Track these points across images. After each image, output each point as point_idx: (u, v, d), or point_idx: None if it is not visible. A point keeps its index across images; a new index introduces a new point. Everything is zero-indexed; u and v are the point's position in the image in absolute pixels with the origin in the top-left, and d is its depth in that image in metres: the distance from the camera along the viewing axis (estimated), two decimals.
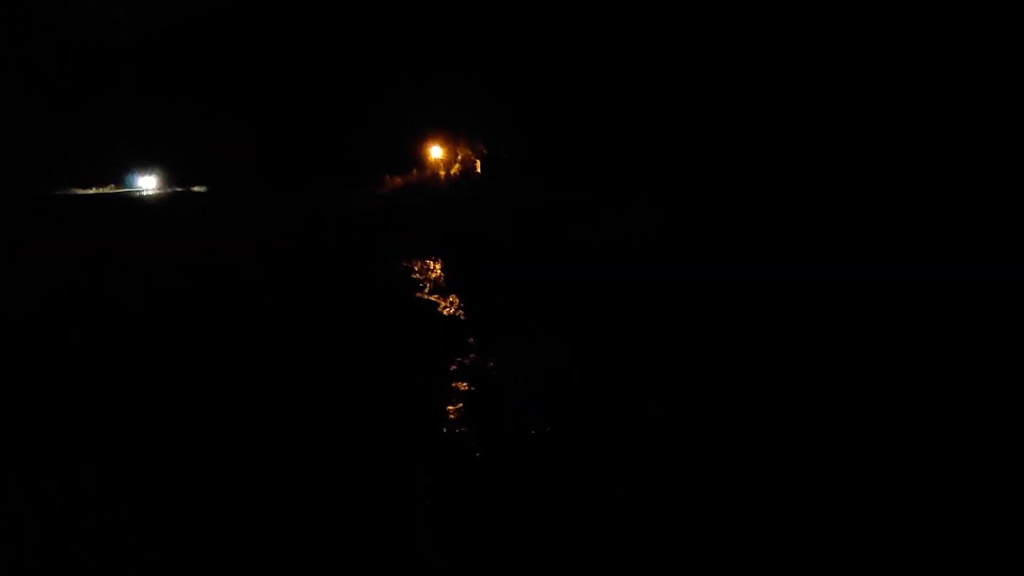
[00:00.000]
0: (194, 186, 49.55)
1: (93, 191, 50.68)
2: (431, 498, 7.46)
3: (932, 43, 15.93)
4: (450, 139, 39.32)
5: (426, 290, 18.82)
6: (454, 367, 11.66)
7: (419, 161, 40.97)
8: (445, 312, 16.20)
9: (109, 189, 51.27)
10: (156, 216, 41.32)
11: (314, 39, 44.50)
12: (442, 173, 39.83)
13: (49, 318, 15.34)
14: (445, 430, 9.10)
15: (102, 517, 7.05)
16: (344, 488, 7.65)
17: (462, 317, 15.70)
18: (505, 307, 16.15)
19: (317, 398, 10.36)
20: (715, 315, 13.67)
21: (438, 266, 22.60)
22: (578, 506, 7.13)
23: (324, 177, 41.59)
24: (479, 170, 37.89)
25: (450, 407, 9.84)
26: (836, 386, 9.61)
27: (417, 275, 21.21)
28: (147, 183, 51.88)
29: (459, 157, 39.40)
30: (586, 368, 11.26)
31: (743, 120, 19.21)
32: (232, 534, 6.84)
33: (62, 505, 7.24)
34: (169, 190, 50.54)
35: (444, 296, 17.85)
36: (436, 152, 40.19)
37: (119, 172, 51.04)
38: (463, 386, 10.69)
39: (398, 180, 41.15)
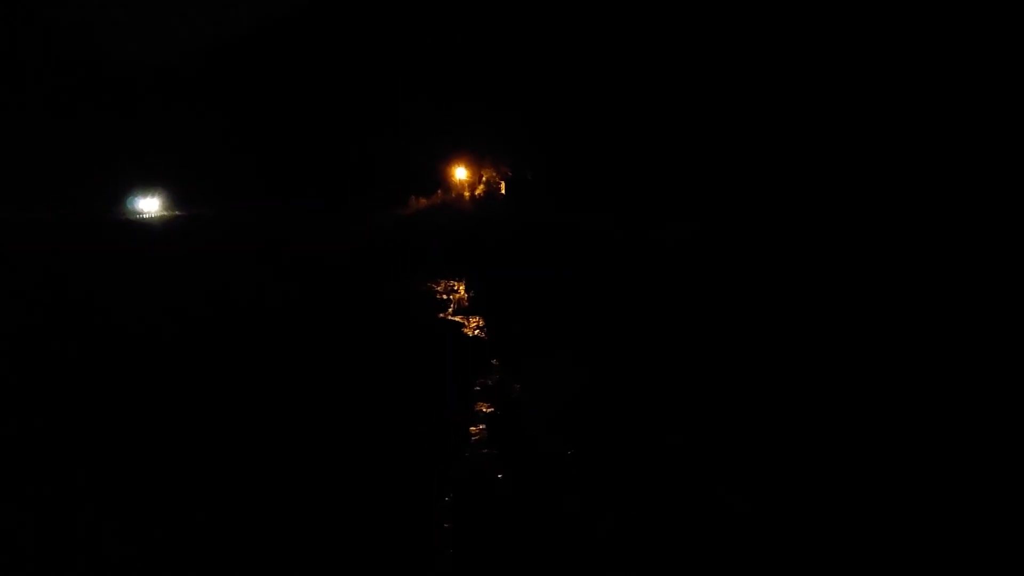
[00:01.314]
0: (225, 209, 48.35)
1: (147, 215, 50.29)
2: (452, 520, 7.44)
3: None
4: (474, 161, 39.63)
5: (450, 311, 18.89)
6: (477, 388, 11.66)
7: (444, 182, 41.30)
8: (468, 333, 16.24)
9: (158, 211, 50.54)
10: (178, 238, 40.95)
11: (340, 63, 45.30)
12: (467, 194, 40.10)
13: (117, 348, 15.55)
14: (467, 452, 9.10)
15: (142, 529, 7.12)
16: (365, 508, 7.65)
17: (485, 338, 15.72)
18: (529, 329, 16.14)
19: (340, 417, 10.41)
20: (742, 340, 13.56)
21: (461, 287, 22.68)
22: (599, 532, 7.08)
23: (351, 199, 42.02)
24: (503, 191, 38.10)
25: (473, 428, 9.83)
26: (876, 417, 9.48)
27: (441, 295, 21.30)
28: (165, 207, 50.83)
29: (483, 179, 39.66)
30: (610, 392, 11.20)
31: (762, 145, 19.15)
32: (251, 555, 6.87)
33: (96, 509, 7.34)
34: (191, 213, 49.52)
35: (467, 317, 17.90)
36: (461, 174, 40.51)
37: (155, 196, 50.44)
38: (486, 408, 10.69)
39: (423, 201, 41.49)
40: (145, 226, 45.06)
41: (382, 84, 43.33)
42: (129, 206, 48.68)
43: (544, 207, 29.67)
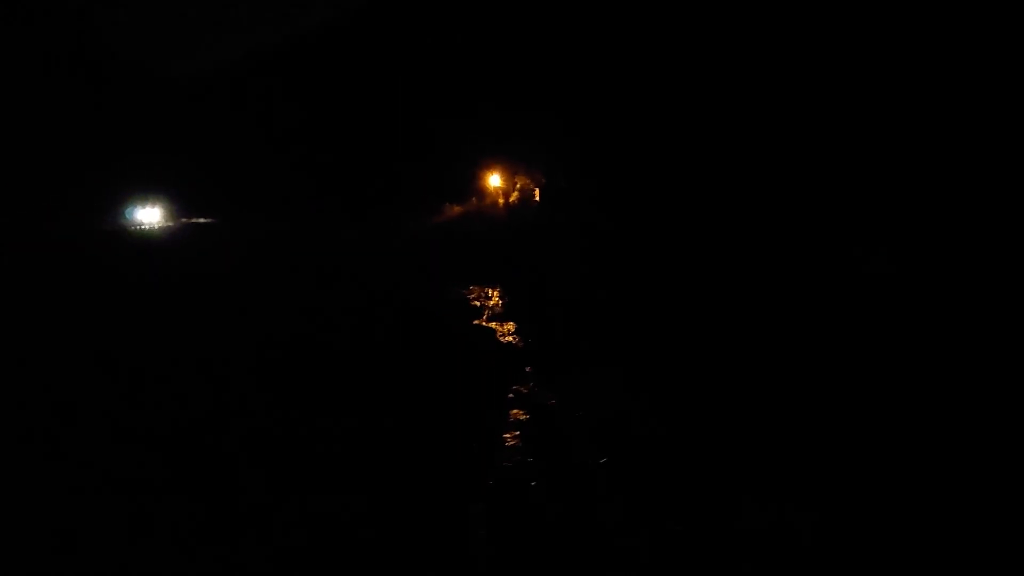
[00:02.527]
0: (266, 218, 46.18)
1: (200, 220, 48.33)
2: (486, 527, 7.40)
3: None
4: (509, 168, 39.68)
5: (484, 317, 18.90)
6: (511, 395, 11.63)
7: (478, 190, 41.42)
8: (502, 339, 16.23)
9: (160, 221, 46.94)
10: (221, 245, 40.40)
11: (372, 71, 45.77)
12: (501, 201, 40.17)
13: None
14: (501, 458, 9.06)
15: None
16: (399, 512, 7.65)
17: (518, 344, 15.69)
18: (562, 335, 16.08)
19: (375, 422, 10.45)
20: (779, 356, 13.28)
21: (495, 293, 22.70)
22: (632, 541, 6.99)
23: (384, 206, 42.31)
24: (537, 198, 38.08)
25: (506, 435, 9.80)
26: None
27: (475, 302, 21.33)
28: (167, 217, 47.29)
29: (517, 186, 39.71)
30: (645, 400, 11.07)
31: (804, 164, 18.78)
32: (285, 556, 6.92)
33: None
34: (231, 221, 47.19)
35: (501, 323, 17.89)
36: (495, 181, 40.59)
37: (156, 205, 46.90)
38: (520, 415, 10.65)
39: (457, 208, 41.65)
40: (163, 239, 43.36)
41: (415, 91, 43.66)
42: (128, 216, 44.89)
43: (578, 214, 29.56)
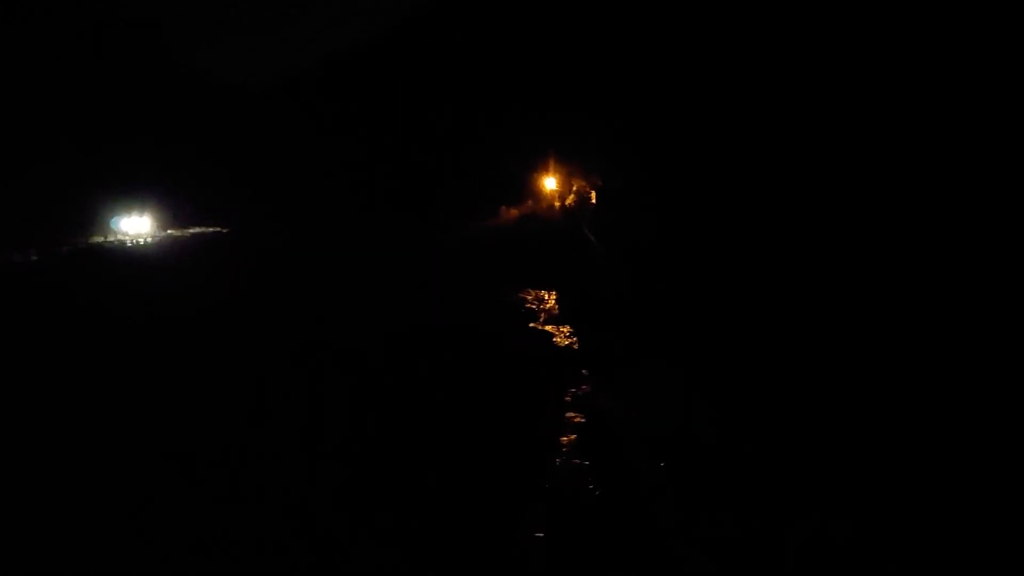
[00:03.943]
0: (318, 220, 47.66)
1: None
2: (543, 529, 7.49)
3: None
4: (565, 171, 39.68)
5: (540, 320, 19.00)
6: (567, 398, 11.70)
7: (534, 192, 41.53)
8: (559, 343, 16.29)
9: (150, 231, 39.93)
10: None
11: (431, 78, 46.27)
12: (557, 204, 40.20)
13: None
14: (558, 461, 9.14)
15: None
16: (457, 515, 7.80)
17: (575, 348, 15.74)
18: (619, 339, 16.05)
19: (433, 423, 10.63)
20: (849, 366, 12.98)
21: (551, 297, 22.78)
22: (687, 546, 6.98)
23: (439, 209, 42.62)
24: (593, 201, 38.00)
25: (563, 438, 9.87)
26: None
27: (531, 305, 21.45)
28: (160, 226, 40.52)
29: (574, 188, 39.71)
30: (705, 405, 11.00)
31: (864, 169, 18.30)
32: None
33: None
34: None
35: (558, 326, 17.95)
36: (551, 183, 40.64)
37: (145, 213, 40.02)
38: (577, 418, 10.71)
39: (513, 211, 41.82)
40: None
41: (471, 95, 44.00)
42: (113, 226, 38.68)
43: (636, 216, 29.38)
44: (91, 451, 9.36)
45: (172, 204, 40.22)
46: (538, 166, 40.54)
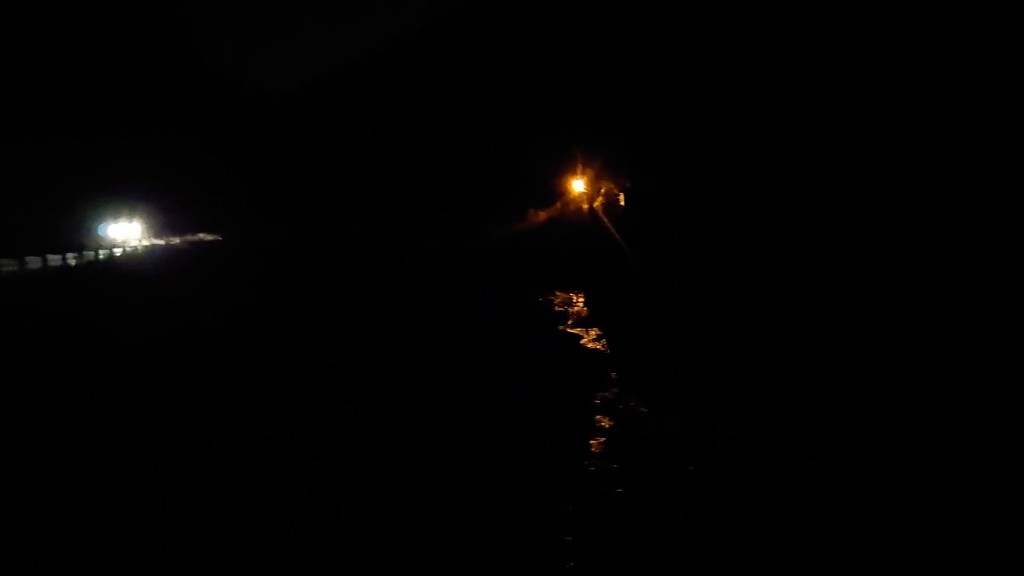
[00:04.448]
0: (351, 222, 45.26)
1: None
2: (571, 532, 7.47)
3: None
4: (592, 173, 39.59)
5: (568, 323, 18.96)
6: (597, 401, 11.66)
7: (562, 195, 41.48)
8: (587, 346, 16.25)
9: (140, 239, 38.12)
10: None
11: (460, 82, 46.50)
12: (585, 206, 40.10)
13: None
14: (587, 464, 9.11)
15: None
16: (484, 515, 7.80)
17: (603, 350, 15.68)
18: (648, 341, 15.95)
19: (460, 424, 10.66)
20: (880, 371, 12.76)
21: (580, 299, 22.72)
22: (715, 551, 6.91)
23: (470, 213, 42.74)
24: (622, 203, 37.83)
25: (592, 441, 9.84)
26: None
27: (559, 307, 21.42)
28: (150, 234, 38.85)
29: (602, 190, 39.57)
30: (734, 408, 10.88)
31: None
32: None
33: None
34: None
35: (586, 329, 17.90)
36: (579, 186, 40.56)
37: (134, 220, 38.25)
38: (605, 421, 10.66)
39: (541, 214, 41.81)
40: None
41: (499, 100, 44.11)
42: (100, 233, 35.54)
43: (664, 218, 29.23)
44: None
45: (166, 208, 37.21)
46: (566, 169, 40.52)
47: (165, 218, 37.96)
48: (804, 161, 20.59)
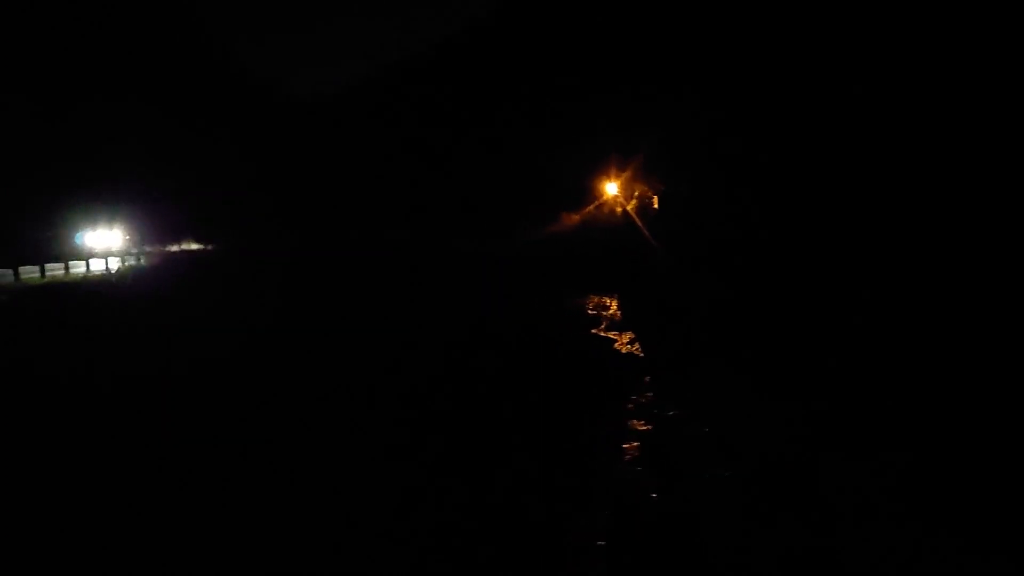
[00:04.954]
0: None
1: None
2: (606, 537, 7.41)
3: None
4: (626, 175, 39.35)
5: (602, 327, 18.86)
6: (631, 405, 11.57)
7: (595, 198, 41.29)
8: (621, 349, 16.14)
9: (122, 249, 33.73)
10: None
11: (490, 86, 46.53)
12: (618, 209, 39.87)
13: None
14: (621, 469, 9.03)
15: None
16: (518, 521, 7.78)
17: (638, 354, 15.56)
18: (682, 347, 15.80)
19: (494, 427, 10.65)
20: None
21: (613, 303, 22.59)
22: (750, 559, 6.80)
23: (502, 216, 42.65)
24: (655, 205, 37.53)
25: (626, 445, 9.76)
26: None
27: (592, 311, 21.32)
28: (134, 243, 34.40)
29: (635, 193, 39.31)
30: (772, 413, 10.72)
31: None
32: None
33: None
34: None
35: (620, 333, 17.79)
36: (612, 189, 40.34)
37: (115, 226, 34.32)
38: (639, 425, 10.58)
39: (574, 217, 41.67)
40: None
41: (530, 102, 44.04)
42: (77, 242, 31.46)
43: (698, 221, 28.91)
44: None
45: (154, 214, 32.71)
46: (598, 170, 40.32)
47: (156, 224, 32.81)
48: (857, 168, 19.95)
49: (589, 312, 21.23)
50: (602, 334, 17.88)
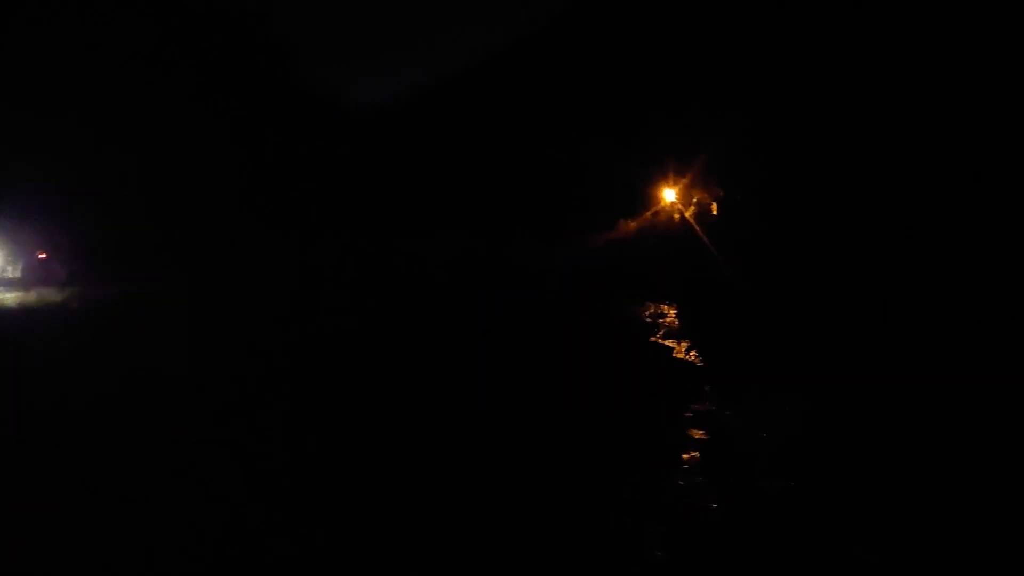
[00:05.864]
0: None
1: None
2: (663, 548, 7.29)
3: None
4: (684, 182, 38.89)
5: (660, 334, 18.64)
6: (689, 414, 11.39)
7: (653, 205, 40.92)
8: (680, 357, 15.93)
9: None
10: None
11: (546, 93, 46.60)
12: (676, 216, 39.42)
13: None
14: (679, 478, 8.89)
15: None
16: (574, 532, 7.72)
17: (697, 363, 15.33)
18: (743, 355, 15.51)
19: (551, 439, 10.62)
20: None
21: (671, 311, 22.31)
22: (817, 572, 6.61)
23: (559, 224, 42.66)
24: (714, 212, 36.99)
25: (684, 455, 9.61)
26: None
27: (650, 319, 21.09)
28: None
29: (694, 199, 38.81)
30: (836, 424, 10.42)
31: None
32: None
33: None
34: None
35: (678, 341, 17.56)
36: (670, 195, 39.93)
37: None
38: (698, 434, 10.40)
39: (632, 224, 41.37)
40: None
41: (587, 109, 43.94)
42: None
43: (759, 228, 28.35)
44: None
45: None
46: (657, 178, 39.95)
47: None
48: (933, 178, 19.25)
49: (647, 320, 21.01)
50: (660, 342, 17.68)
